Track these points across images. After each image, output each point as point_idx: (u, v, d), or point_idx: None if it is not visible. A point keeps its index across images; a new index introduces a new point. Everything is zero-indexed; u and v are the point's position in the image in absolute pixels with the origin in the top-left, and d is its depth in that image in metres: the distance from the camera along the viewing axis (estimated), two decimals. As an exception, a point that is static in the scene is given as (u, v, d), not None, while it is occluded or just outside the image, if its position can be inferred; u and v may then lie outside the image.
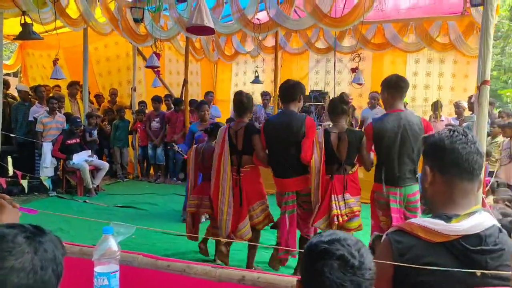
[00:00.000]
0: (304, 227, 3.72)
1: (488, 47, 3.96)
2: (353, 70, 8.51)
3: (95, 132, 7.94)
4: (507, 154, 6.21)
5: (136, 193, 7.39)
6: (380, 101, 8.80)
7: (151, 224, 5.46)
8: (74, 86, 8.17)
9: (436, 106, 7.43)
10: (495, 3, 4.01)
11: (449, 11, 8.60)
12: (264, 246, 4.03)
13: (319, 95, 8.36)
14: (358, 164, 3.68)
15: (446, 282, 1.32)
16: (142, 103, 8.98)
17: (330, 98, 8.85)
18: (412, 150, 3.36)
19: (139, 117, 8.74)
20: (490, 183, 4.87)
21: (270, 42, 9.86)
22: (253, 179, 3.79)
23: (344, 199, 3.51)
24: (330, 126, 3.75)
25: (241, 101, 3.84)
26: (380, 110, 8.32)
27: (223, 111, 9.67)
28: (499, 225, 1.43)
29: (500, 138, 6.48)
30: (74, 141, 7.27)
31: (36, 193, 6.96)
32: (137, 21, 7.65)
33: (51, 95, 7.75)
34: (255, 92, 11.04)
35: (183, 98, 8.24)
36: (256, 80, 9.35)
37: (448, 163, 1.45)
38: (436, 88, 9.40)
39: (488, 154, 5.74)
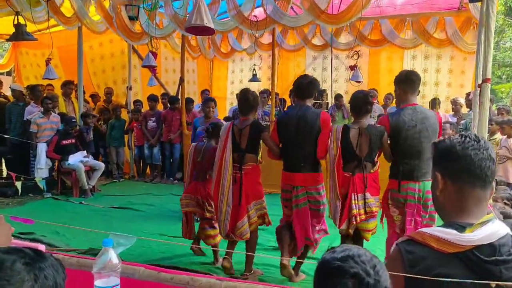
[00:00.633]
0: (314, 227, 3.64)
1: (489, 44, 3.94)
2: (352, 68, 8.46)
3: (90, 132, 7.86)
4: (505, 151, 6.19)
5: (133, 193, 7.31)
6: (379, 98, 8.87)
7: (147, 225, 5.41)
8: (68, 86, 8.06)
9: (434, 103, 7.41)
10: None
11: (445, 7, 8.58)
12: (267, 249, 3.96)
13: (317, 92, 8.30)
14: (379, 163, 3.59)
15: (460, 294, 1.27)
16: (138, 102, 8.89)
17: (336, 95, 8.82)
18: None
19: (135, 116, 8.66)
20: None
21: (266, 39, 9.80)
22: (254, 178, 3.73)
23: (364, 198, 3.43)
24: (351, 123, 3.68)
25: (247, 99, 3.78)
26: (378, 107, 8.29)
27: (219, 109, 9.58)
28: (512, 233, 1.39)
29: (498, 136, 6.44)
30: (69, 141, 7.18)
31: (31, 195, 6.86)
32: (132, 19, 7.59)
33: (45, 95, 7.64)
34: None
35: (180, 97, 8.17)
36: (254, 79, 9.29)
37: (460, 170, 1.40)
38: (433, 84, 9.39)
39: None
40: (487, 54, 4.00)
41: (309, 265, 3.86)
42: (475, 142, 1.40)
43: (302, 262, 3.63)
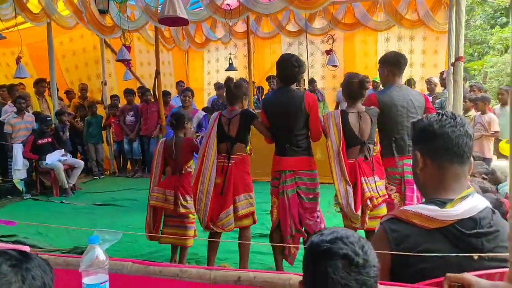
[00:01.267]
0: (305, 218, 3.45)
1: (461, 23, 4.00)
2: (328, 52, 8.50)
3: (67, 130, 7.71)
4: (479, 128, 6.34)
5: (114, 189, 7.25)
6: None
7: (132, 220, 5.37)
8: (41, 84, 7.86)
9: (409, 84, 7.50)
10: (465, -21, 4.03)
11: (416, -12, 8.66)
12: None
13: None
14: (379, 144, 3.53)
15: (444, 268, 1.31)
16: (114, 97, 8.76)
17: (309, 80, 8.83)
18: None
19: (112, 111, 8.53)
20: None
21: (241, 27, 9.74)
22: (242, 169, 3.62)
23: (375, 181, 3.31)
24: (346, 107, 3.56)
25: (229, 88, 3.68)
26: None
27: (197, 100, 9.54)
28: (491, 206, 1.43)
29: (472, 112, 6.59)
30: (45, 140, 7.04)
31: (10, 197, 6.73)
32: (102, 12, 7.42)
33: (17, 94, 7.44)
34: (230, 80, 10.95)
35: (156, 90, 8.07)
36: (231, 68, 9.24)
37: (438, 148, 1.43)
38: (408, 65, 9.46)
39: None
40: (459, 32, 4.07)
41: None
42: (452, 120, 1.44)
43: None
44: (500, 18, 15.96)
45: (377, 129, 3.47)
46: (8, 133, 6.81)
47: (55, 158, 6.97)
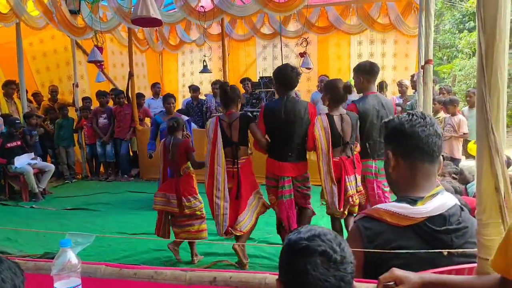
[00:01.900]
0: (302, 203, 3.75)
1: (430, 26, 4.11)
2: (301, 54, 8.58)
3: (35, 133, 7.51)
4: (449, 129, 6.52)
5: (87, 193, 7.09)
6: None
7: (106, 225, 5.28)
8: (9, 86, 7.62)
9: (382, 86, 7.65)
10: (434, -16, 4.15)
11: (387, -8, 8.85)
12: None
13: (269, 81, 8.36)
14: (357, 144, 3.77)
15: (415, 264, 1.34)
16: (86, 99, 8.58)
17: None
18: None
19: (84, 114, 8.35)
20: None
21: (215, 29, 9.73)
22: (249, 171, 3.78)
23: (356, 179, 3.62)
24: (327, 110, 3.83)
25: (225, 92, 3.77)
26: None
27: (172, 102, 9.44)
28: (459, 204, 1.48)
29: (441, 114, 6.76)
30: (14, 144, 6.84)
31: (-23, 202, 6.51)
32: (73, 12, 7.28)
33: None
34: (204, 82, 10.91)
35: (130, 92, 7.97)
36: (205, 70, 9.20)
37: (409, 147, 1.47)
38: (380, 68, 9.67)
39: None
40: (428, 36, 4.18)
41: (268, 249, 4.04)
42: (422, 120, 1.48)
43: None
44: (468, 23, 16.47)
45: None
46: (-26, 136, 6.59)
47: (24, 162, 6.78)
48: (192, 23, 9.82)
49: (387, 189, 3.58)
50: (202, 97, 9.07)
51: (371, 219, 1.46)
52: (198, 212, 3.91)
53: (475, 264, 1.30)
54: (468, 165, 4.58)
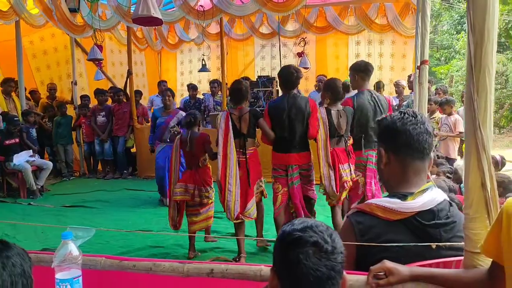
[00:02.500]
0: (308, 190, 4.04)
1: (426, 27, 4.15)
2: (299, 54, 8.63)
3: (33, 131, 7.53)
4: (445, 129, 6.57)
5: (85, 191, 7.11)
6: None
7: (103, 222, 5.31)
8: (8, 83, 7.65)
9: (378, 86, 7.70)
10: (430, -15, 4.19)
11: (385, -7, 8.90)
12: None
13: (267, 80, 8.41)
14: (351, 137, 4.16)
15: (405, 257, 1.39)
16: (85, 97, 8.60)
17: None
18: None
19: (82, 111, 8.38)
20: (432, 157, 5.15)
21: (214, 29, 9.76)
22: (256, 160, 4.07)
23: (350, 167, 4.04)
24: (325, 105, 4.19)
25: (240, 89, 4.04)
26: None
27: (170, 101, 9.47)
28: (449, 199, 1.53)
29: (437, 115, 6.82)
30: (13, 141, 6.87)
31: (-25, 199, 6.54)
32: (73, 11, 7.31)
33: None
34: (203, 81, 10.94)
35: (128, 90, 8.00)
36: (204, 69, 9.24)
37: (400, 144, 1.52)
38: (377, 68, 9.74)
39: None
40: (424, 37, 4.22)
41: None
42: (413, 118, 1.53)
43: None
44: (466, 24, 16.52)
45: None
46: (-27, 133, 6.62)
47: (22, 159, 6.81)
48: (191, 22, 9.86)
49: None
50: (200, 95, 9.11)
51: (363, 213, 1.51)
52: (210, 201, 4.21)
53: (462, 257, 1.35)
54: (462, 164, 4.63)
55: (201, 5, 7.16)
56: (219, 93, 8.35)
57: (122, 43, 9.48)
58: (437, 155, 5.62)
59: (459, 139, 6.61)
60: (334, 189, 3.92)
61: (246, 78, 8.62)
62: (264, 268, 1.44)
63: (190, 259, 4.02)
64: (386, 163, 1.56)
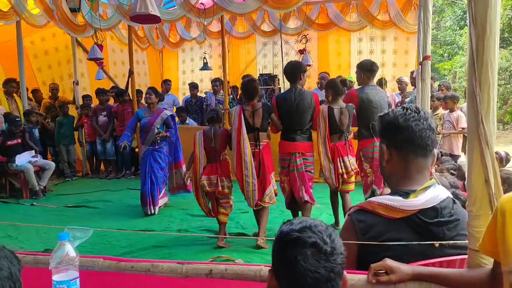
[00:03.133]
0: (308, 186, 4.36)
1: (428, 23, 4.11)
2: (301, 52, 8.58)
3: (36, 131, 7.53)
4: (448, 126, 6.52)
5: (87, 191, 7.11)
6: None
7: (106, 222, 5.30)
8: (10, 84, 7.65)
9: (381, 83, 7.64)
10: (432, -20, 4.15)
11: (387, -11, 8.84)
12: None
13: (269, 78, 8.38)
14: (352, 132, 4.61)
15: (407, 255, 1.36)
16: (87, 97, 8.59)
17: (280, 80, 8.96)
18: None
19: (84, 111, 8.38)
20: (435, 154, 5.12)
21: (215, 27, 9.73)
22: (268, 151, 4.35)
23: (349, 160, 4.44)
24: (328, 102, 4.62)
25: (254, 87, 4.35)
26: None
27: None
28: (452, 196, 1.50)
29: (440, 111, 6.76)
30: (15, 141, 6.87)
31: (-22, 200, 6.54)
32: (74, 10, 7.29)
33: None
34: (204, 79, 10.91)
35: (129, 89, 7.98)
36: (205, 67, 9.21)
37: (403, 140, 1.49)
38: (380, 65, 9.66)
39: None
40: (426, 32, 4.18)
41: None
42: (416, 114, 1.50)
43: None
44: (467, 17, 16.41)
45: (356, 116, 4.57)
46: (-25, 134, 6.62)
47: (25, 160, 6.81)
48: (192, 21, 9.82)
49: None
50: (202, 94, 9.09)
51: (364, 212, 1.48)
52: (230, 192, 4.43)
53: (466, 256, 1.32)
54: (466, 161, 4.60)
55: (202, 3, 7.12)
56: (221, 91, 8.32)
57: (124, 42, 9.46)
58: (441, 152, 5.58)
59: (462, 135, 6.56)
60: (334, 181, 4.43)
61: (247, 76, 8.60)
62: (264, 269, 1.41)
63: (220, 247, 4.20)
64: (388, 160, 1.53)
